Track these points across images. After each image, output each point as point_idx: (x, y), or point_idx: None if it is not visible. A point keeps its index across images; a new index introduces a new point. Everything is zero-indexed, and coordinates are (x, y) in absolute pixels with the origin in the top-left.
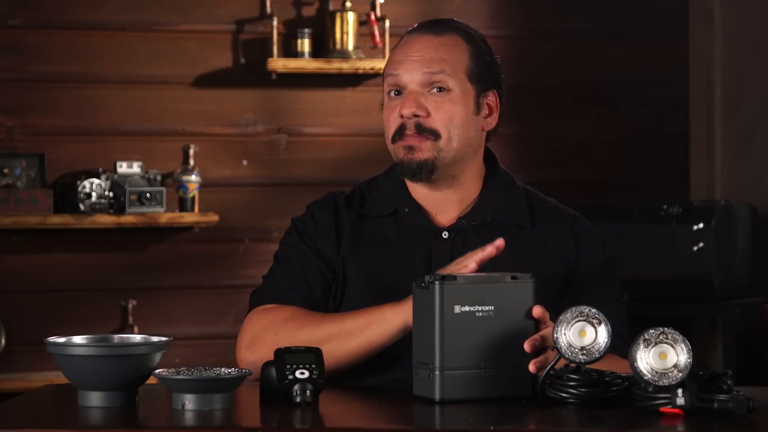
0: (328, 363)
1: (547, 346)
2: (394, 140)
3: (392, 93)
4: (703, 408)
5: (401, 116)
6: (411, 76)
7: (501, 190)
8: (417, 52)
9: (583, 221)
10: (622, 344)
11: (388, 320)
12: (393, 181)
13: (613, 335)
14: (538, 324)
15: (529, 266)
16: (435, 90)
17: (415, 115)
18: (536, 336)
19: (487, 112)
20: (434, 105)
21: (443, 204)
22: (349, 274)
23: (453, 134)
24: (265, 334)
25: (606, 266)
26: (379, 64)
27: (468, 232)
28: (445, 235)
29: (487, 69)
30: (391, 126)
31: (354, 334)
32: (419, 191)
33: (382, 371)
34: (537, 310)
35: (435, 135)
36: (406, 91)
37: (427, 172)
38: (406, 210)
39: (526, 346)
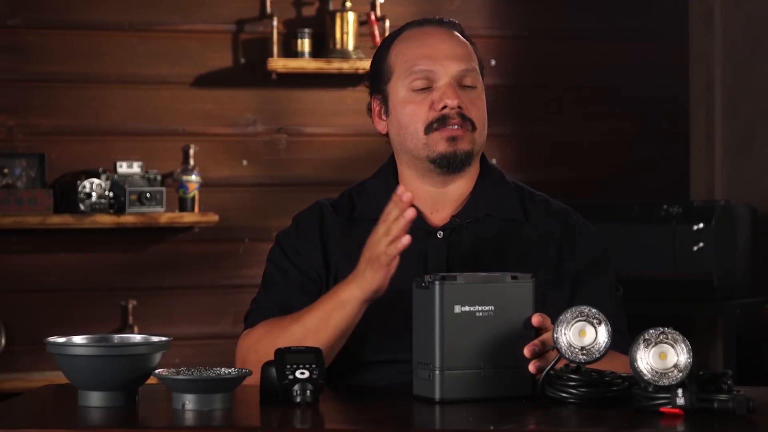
0: None
1: (546, 350)
2: (428, 131)
3: (417, 88)
4: (703, 408)
5: (442, 108)
6: (446, 70)
7: (492, 186)
8: (445, 46)
9: (575, 215)
10: (621, 340)
11: (348, 302)
12: (384, 183)
13: (612, 332)
14: (538, 329)
15: (523, 260)
16: (465, 86)
17: (459, 106)
18: (536, 342)
19: None
20: (469, 99)
21: (437, 203)
22: (341, 279)
23: (483, 129)
24: (248, 356)
25: (600, 261)
26: None
27: (462, 230)
28: (439, 234)
29: (483, 69)
30: (424, 117)
31: (321, 328)
32: (413, 191)
33: (382, 375)
34: (536, 319)
35: (473, 126)
36: (439, 84)
37: (466, 164)
38: None
39: (526, 352)
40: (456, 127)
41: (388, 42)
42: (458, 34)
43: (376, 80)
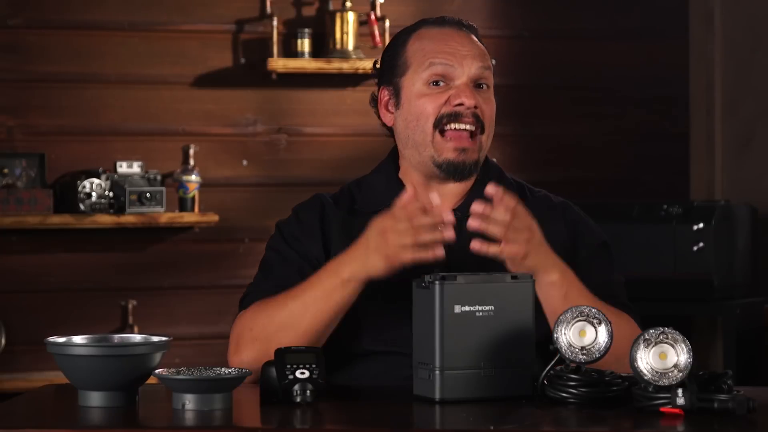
0: (309, 337)
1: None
2: (437, 125)
3: (432, 83)
4: (703, 408)
5: (459, 104)
6: (465, 69)
7: (492, 181)
8: (465, 46)
9: (575, 207)
10: (628, 311)
11: (350, 281)
12: (384, 177)
13: (619, 305)
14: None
15: None
16: (481, 86)
17: (474, 106)
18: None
19: None
20: (483, 99)
21: (438, 196)
22: None
23: (491, 131)
24: (244, 334)
25: (603, 247)
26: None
27: (463, 223)
28: (441, 226)
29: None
30: (436, 111)
31: (320, 306)
32: (414, 184)
33: (384, 370)
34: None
35: (482, 129)
36: (457, 82)
37: (474, 172)
38: None
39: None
40: (467, 126)
41: (404, 37)
42: (475, 38)
43: (389, 72)
